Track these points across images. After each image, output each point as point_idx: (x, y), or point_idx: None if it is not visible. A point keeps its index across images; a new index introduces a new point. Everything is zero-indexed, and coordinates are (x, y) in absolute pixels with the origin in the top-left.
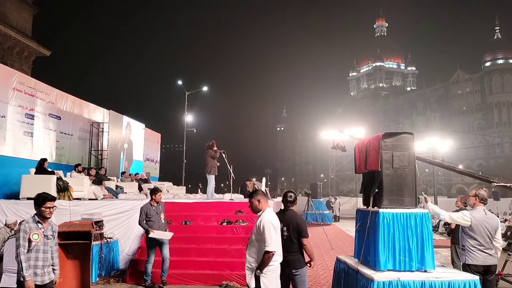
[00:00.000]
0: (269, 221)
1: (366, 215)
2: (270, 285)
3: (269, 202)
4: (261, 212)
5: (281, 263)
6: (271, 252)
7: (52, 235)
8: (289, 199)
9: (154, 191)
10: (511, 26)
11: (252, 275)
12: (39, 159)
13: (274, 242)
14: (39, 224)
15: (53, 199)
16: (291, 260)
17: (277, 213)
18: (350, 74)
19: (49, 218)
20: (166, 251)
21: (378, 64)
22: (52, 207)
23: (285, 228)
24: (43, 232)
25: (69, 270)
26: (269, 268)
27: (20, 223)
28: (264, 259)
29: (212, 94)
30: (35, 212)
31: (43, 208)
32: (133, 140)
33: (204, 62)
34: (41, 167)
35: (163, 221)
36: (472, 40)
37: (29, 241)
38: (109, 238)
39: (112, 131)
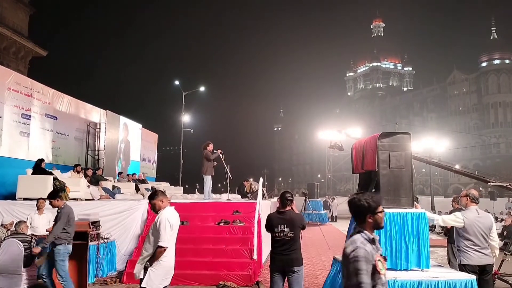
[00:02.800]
0: (166, 218)
1: None
2: (156, 279)
3: (266, 202)
4: (161, 210)
5: (282, 261)
6: (163, 247)
7: None
8: (288, 198)
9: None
10: (508, 27)
11: (142, 267)
12: (36, 160)
13: (167, 239)
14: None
15: None
16: (294, 259)
17: (276, 215)
18: (347, 74)
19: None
20: None
21: (375, 64)
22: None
23: (288, 229)
24: None
25: None
26: (160, 263)
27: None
28: (156, 253)
29: (209, 95)
30: (366, 223)
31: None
32: (130, 140)
33: (201, 62)
34: (39, 168)
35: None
36: (468, 40)
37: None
38: (106, 238)
39: (109, 131)
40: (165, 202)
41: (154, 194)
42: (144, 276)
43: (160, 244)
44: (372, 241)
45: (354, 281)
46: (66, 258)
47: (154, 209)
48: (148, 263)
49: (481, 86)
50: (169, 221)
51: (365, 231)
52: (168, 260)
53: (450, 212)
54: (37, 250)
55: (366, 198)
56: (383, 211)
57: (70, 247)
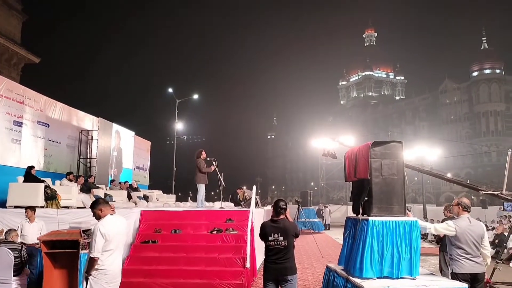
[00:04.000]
0: (98, 228)
1: (355, 223)
2: (97, 287)
3: (259, 210)
4: (100, 219)
5: (276, 270)
6: (93, 257)
7: None
8: (282, 207)
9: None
10: (498, 37)
11: (83, 276)
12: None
13: (98, 249)
14: None
15: None
16: (287, 267)
17: (270, 223)
18: (340, 83)
19: None
20: None
21: (367, 73)
22: None
23: (281, 238)
24: None
25: (57, 279)
26: (99, 272)
27: None
28: (88, 264)
29: (203, 102)
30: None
31: None
32: (122, 148)
33: (194, 71)
34: (29, 175)
35: None
36: (460, 50)
37: None
38: None
39: (101, 138)
40: (104, 211)
41: (94, 203)
42: (86, 285)
43: (90, 254)
44: None
45: None
46: None
47: (95, 217)
48: (86, 273)
49: (472, 95)
50: (101, 231)
51: None
52: (108, 267)
53: (442, 221)
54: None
55: None
56: None
57: None
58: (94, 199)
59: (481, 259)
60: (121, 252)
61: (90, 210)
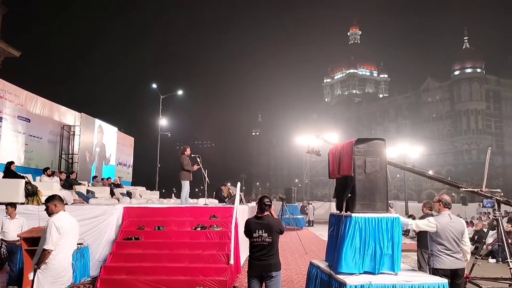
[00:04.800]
0: (53, 222)
1: (339, 219)
2: (45, 281)
3: (243, 206)
4: (53, 214)
5: (260, 266)
6: (47, 250)
7: None
8: (266, 203)
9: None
10: (480, 36)
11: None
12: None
13: (53, 242)
14: None
15: None
16: (272, 264)
17: (255, 220)
18: (325, 81)
19: None
20: None
21: (351, 71)
22: None
23: (266, 235)
24: None
25: None
26: (48, 265)
27: None
28: (41, 256)
29: (187, 99)
30: None
31: None
32: (105, 143)
33: (179, 67)
34: (9, 171)
35: None
36: (442, 49)
37: None
38: (80, 244)
39: (83, 134)
40: (58, 207)
41: (50, 198)
42: (33, 278)
43: (44, 247)
44: None
45: None
46: None
47: (47, 212)
48: (35, 265)
49: (454, 94)
50: (56, 225)
51: None
52: (57, 263)
53: (421, 217)
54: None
55: None
56: None
57: None
58: (76, 195)
59: (461, 255)
60: (71, 249)
61: (72, 206)
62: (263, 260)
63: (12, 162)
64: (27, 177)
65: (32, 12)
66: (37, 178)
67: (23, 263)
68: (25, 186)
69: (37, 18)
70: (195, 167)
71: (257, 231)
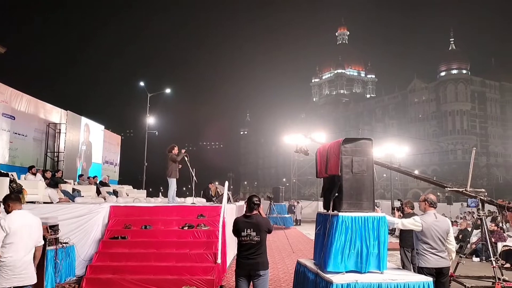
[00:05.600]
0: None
1: (326, 218)
2: (1, 280)
3: (231, 205)
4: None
5: (248, 265)
6: None
7: None
8: (255, 202)
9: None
10: (465, 38)
11: None
12: None
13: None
14: None
15: None
16: (260, 263)
17: (243, 219)
18: (313, 80)
19: None
20: None
21: (339, 71)
22: None
23: (254, 233)
24: None
25: None
26: (1, 263)
27: None
28: None
29: (175, 97)
30: None
31: None
32: (91, 141)
33: (167, 65)
34: None
35: None
36: (428, 50)
37: None
38: (65, 243)
39: (69, 132)
40: (12, 206)
41: (4, 198)
42: None
43: None
44: None
45: None
46: None
47: (5, 210)
48: None
49: (440, 94)
50: (1, 223)
51: None
52: (8, 260)
53: (405, 216)
54: None
55: None
56: None
57: None
58: (62, 194)
59: (446, 254)
60: (25, 248)
61: (57, 205)
62: (251, 259)
63: None
64: (12, 175)
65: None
66: (22, 177)
67: None
68: (9, 185)
69: (23, 14)
70: (183, 151)
71: (245, 230)
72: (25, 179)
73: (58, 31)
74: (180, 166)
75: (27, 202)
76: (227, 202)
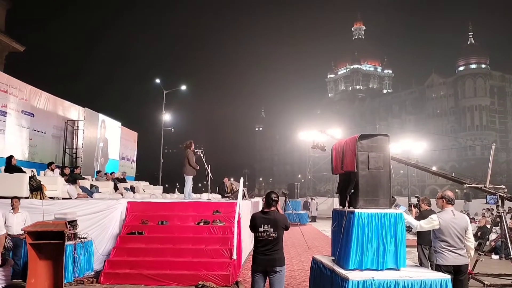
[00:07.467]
0: None
1: (342, 215)
2: None
3: (246, 202)
4: None
5: (264, 261)
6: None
7: None
8: (273, 199)
9: None
10: (484, 32)
11: None
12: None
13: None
14: None
15: None
16: (276, 259)
17: (261, 214)
18: (328, 76)
19: None
20: None
21: (355, 66)
22: None
23: (271, 230)
24: None
25: (42, 270)
26: None
27: None
28: None
29: (191, 94)
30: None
31: None
32: (108, 138)
33: (183, 62)
34: (10, 165)
35: None
36: (446, 45)
37: None
38: (83, 238)
39: (87, 129)
40: None
41: None
42: None
43: None
44: None
45: None
46: None
47: None
48: None
49: (458, 89)
50: None
51: None
52: None
53: (420, 213)
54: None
55: None
56: None
57: None
58: (80, 190)
59: (464, 251)
60: None
61: (76, 201)
62: (268, 255)
63: (12, 156)
64: (33, 171)
65: (36, 7)
66: (41, 173)
67: (27, 257)
68: (29, 181)
69: (41, 13)
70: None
71: (262, 225)
72: (44, 175)
73: (75, 29)
74: (197, 167)
75: (48, 198)
76: (242, 198)
